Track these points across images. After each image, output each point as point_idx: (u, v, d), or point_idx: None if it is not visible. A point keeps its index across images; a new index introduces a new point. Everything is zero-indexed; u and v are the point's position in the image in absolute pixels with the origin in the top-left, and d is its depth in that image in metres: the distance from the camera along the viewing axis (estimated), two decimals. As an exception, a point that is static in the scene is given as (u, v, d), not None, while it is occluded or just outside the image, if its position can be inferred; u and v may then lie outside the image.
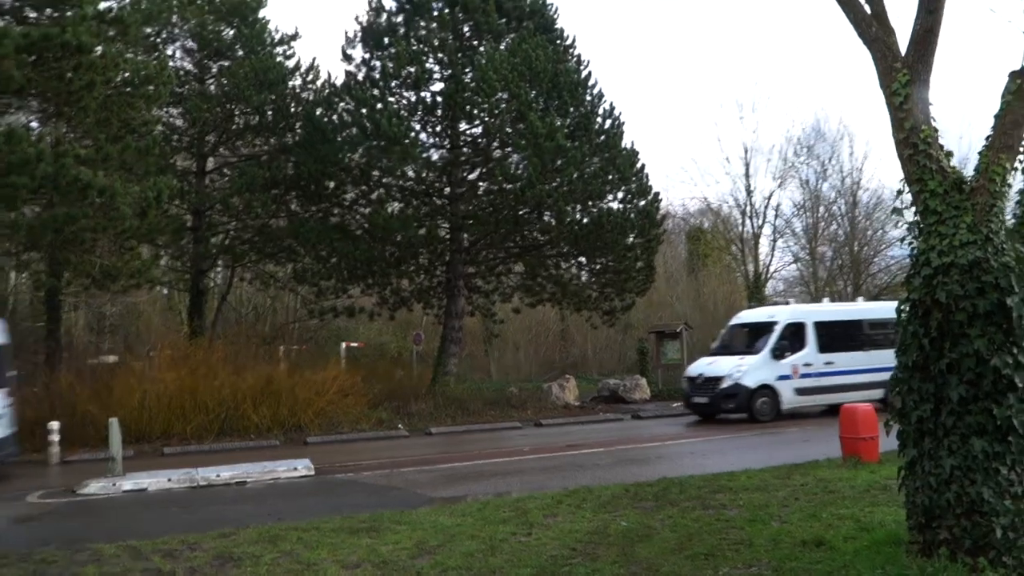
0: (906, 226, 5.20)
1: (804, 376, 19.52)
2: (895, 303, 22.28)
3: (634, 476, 10.95)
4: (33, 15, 17.21)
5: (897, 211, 5.28)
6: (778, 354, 19.48)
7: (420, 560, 6.62)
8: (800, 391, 19.45)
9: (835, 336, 20.36)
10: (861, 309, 21.87)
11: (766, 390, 19.07)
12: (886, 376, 19.75)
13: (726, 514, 7.75)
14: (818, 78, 63.74)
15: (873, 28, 5.32)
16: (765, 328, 20.23)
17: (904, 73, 5.16)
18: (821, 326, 20.28)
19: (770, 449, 13.91)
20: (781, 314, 20.70)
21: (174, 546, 7.40)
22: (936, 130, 5.18)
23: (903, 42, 5.35)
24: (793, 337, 19.86)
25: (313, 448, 16.35)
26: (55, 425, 15.33)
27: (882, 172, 58.82)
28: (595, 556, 6.51)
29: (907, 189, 5.18)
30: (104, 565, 6.81)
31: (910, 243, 5.18)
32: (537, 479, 11.61)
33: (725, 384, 19.17)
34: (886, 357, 19.76)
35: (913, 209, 5.17)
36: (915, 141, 5.10)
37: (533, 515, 8.12)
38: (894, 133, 5.23)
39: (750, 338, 20.67)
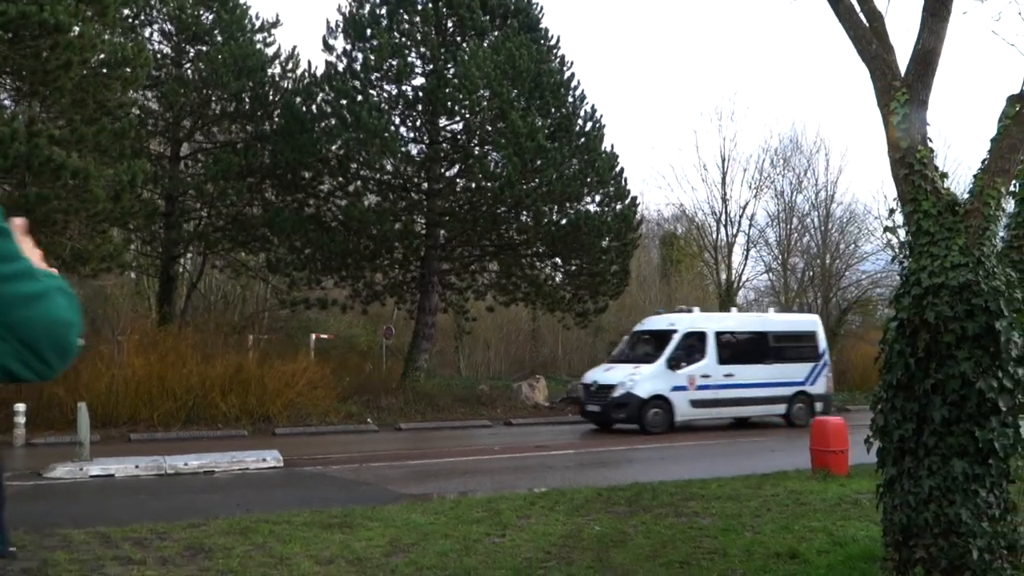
0: (889, 244, 5.24)
1: (701, 388, 18.80)
2: (804, 316, 22.05)
3: (605, 479, 10.98)
4: (12, -9, 16.84)
5: (889, 229, 5.32)
6: (674, 364, 18.68)
7: (394, 558, 6.57)
8: (696, 403, 18.73)
9: (738, 348, 19.83)
10: (767, 321, 21.26)
11: (659, 401, 18.24)
12: (790, 391, 19.70)
13: (699, 522, 7.78)
14: (797, 90, 64.43)
15: (873, 45, 5.35)
16: (664, 336, 19.37)
17: (903, 92, 5.20)
18: (723, 337, 19.69)
19: (740, 457, 14.02)
20: (681, 322, 19.69)
21: (144, 535, 7.29)
22: (932, 151, 5.22)
23: (902, 61, 5.40)
24: (692, 347, 19.12)
25: (281, 439, 16.21)
26: (21, 407, 15.08)
27: (856, 186, 59.69)
28: (570, 560, 6.50)
29: (900, 208, 5.23)
30: (74, 551, 6.69)
31: (900, 262, 5.23)
32: (508, 479, 11.61)
33: (617, 393, 18.26)
34: (791, 372, 19.88)
35: (905, 229, 5.22)
36: (911, 161, 5.14)
37: (506, 516, 8.10)
38: (889, 152, 5.26)
39: (649, 346, 19.81)
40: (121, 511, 8.71)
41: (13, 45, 14.80)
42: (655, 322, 20.74)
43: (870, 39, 5.40)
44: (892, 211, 5.28)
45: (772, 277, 35.05)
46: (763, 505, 8.60)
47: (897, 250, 5.29)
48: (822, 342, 20.95)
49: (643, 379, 18.28)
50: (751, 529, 7.42)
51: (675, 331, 19.28)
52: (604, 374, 19.37)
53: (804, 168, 33.13)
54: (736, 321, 21.05)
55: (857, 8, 5.64)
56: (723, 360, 19.31)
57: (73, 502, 9.49)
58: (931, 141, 5.27)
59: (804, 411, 19.80)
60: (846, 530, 7.24)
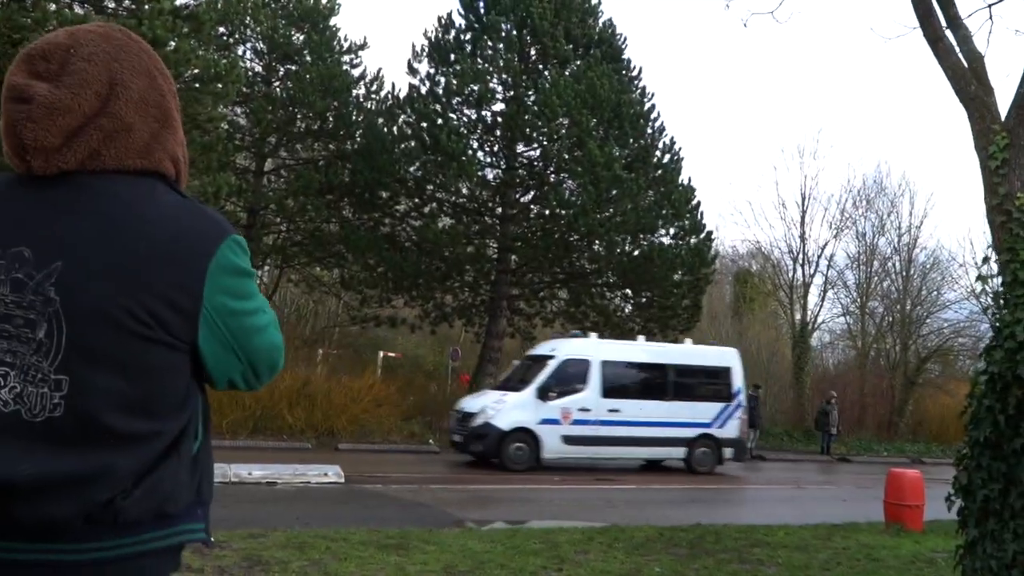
0: (974, 293, 4.99)
1: (578, 423, 16.55)
2: (719, 350, 19.49)
3: (667, 519, 10.71)
4: (112, 6, 17.62)
5: (982, 279, 5.07)
6: (546, 394, 16.50)
7: (448, 585, 6.49)
8: (570, 440, 16.51)
9: (629, 380, 17.70)
10: (669, 352, 18.79)
11: (523, 434, 16.09)
12: (692, 433, 17.55)
13: (764, 571, 7.50)
14: (884, 129, 62.97)
15: (972, 86, 5.14)
16: (543, 362, 17.35)
17: (1003, 136, 4.97)
18: (611, 367, 17.33)
19: (808, 505, 13.56)
20: (563, 348, 17.63)
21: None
22: (1032, 198, 4.98)
23: (1003, 104, 5.19)
24: (572, 376, 16.91)
25: (344, 455, 16.33)
26: None
27: (941, 232, 57.88)
28: (627, 601, 6.33)
29: (995, 257, 4.98)
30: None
31: (993, 313, 4.97)
32: (567, 511, 11.44)
33: (476, 422, 16.18)
34: (695, 411, 17.73)
35: (999, 278, 4.96)
36: (1009, 208, 4.89)
37: (564, 550, 7.95)
38: (986, 198, 5.04)
39: (529, 372, 17.52)
40: (185, 516, 8.84)
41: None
42: (542, 347, 18.96)
43: (969, 80, 5.19)
44: (986, 259, 5.02)
45: (849, 320, 34.06)
46: (832, 558, 8.25)
47: (991, 300, 5.03)
48: (737, 380, 18.58)
49: (506, 408, 16.16)
50: (819, 582, 7.13)
51: (552, 357, 17.27)
52: (471, 400, 17.58)
53: (887, 210, 32.21)
54: (630, 351, 18.38)
55: (956, 49, 5.44)
56: (609, 393, 17.03)
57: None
58: (1032, 188, 5.02)
59: (709, 456, 17.72)
60: (921, 591, 6.88)
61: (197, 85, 17.81)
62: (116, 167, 1.39)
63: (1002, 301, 4.84)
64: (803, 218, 31.04)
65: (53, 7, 15.42)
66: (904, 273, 31.57)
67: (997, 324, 4.81)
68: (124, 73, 1.41)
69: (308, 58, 24.17)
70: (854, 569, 7.74)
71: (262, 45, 24.52)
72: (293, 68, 24.36)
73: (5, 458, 1.29)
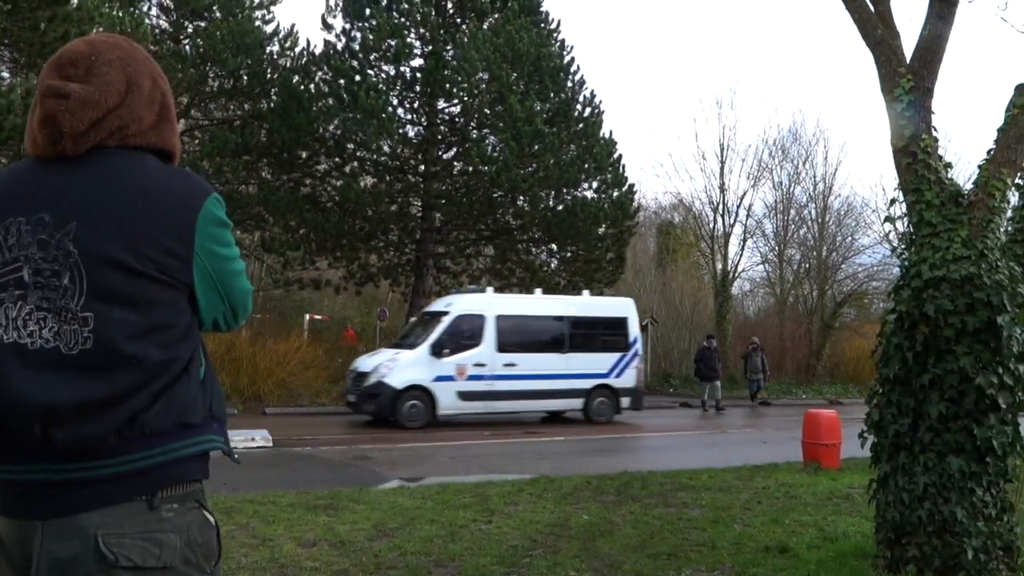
0: (887, 236, 5.14)
1: (473, 378, 16.58)
2: (614, 300, 19.77)
3: (595, 468, 10.90)
4: (8, -40, 16.62)
5: (889, 220, 5.19)
6: (440, 350, 16.40)
7: (378, 542, 6.47)
8: (466, 395, 16.51)
9: (525, 334, 17.62)
10: (564, 304, 18.61)
11: (418, 392, 16.05)
12: (589, 384, 17.71)
13: (688, 513, 7.70)
14: (799, 79, 64.23)
15: (878, 30, 5.22)
16: (437, 319, 17.24)
17: (908, 79, 5.07)
18: (506, 321, 17.26)
19: (730, 449, 13.97)
20: (458, 304, 17.50)
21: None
22: (936, 140, 5.09)
23: (908, 48, 5.28)
24: (466, 332, 16.89)
25: (272, 419, 16.12)
26: None
27: (855, 179, 59.68)
28: (556, 549, 6.41)
29: (902, 198, 5.11)
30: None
31: (900, 254, 5.11)
32: (496, 464, 11.54)
33: (369, 381, 16.09)
34: (591, 362, 17.87)
35: (906, 220, 5.10)
36: (914, 150, 5.01)
37: (494, 502, 8.02)
38: (892, 140, 5.14)
39: (425, 329, 17.43)
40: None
41: (11, 16, 14.62)
42: (438, 303, 18.82)
43: (875, 24, 5.26)
44: (893, 201, 5.15)
45: (768, 268, 34.98)
46: (753, 497, 8.53)
47: (897, 242, 5.18)
48: (634, 330, 18.74)
49: (399, 367, 16.02)
50: (740, 522, 7.34)
51: (446, 313, 17.17)
52: (364, 360, 17.40)
53: (803, 159, 33.00)
54: (526, 304, 18.31)
55: (863, -8, 5.50)
56: (504, 347, 17.03)
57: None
58: (936, 130, 5.14)
59: (607, 407, 17.93)
60: (837, 525, 7.16)
61: (100, 43, 17.01)
62: (119, 146, 1.71)
63: (909, 241, 4.99)
64: (722, 169, 31.59)
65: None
66: (820, 220, 32.51)
67: (904, 264, 4.96)
68: (137, 75, 1.75)
69: (218, 14, 23.21)
70: (774, 507, 8.02)
71: (168, 1, 23.47)
72: (202, 25, 23.39)
73: (49, 386, 1.56)
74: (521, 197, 22.48)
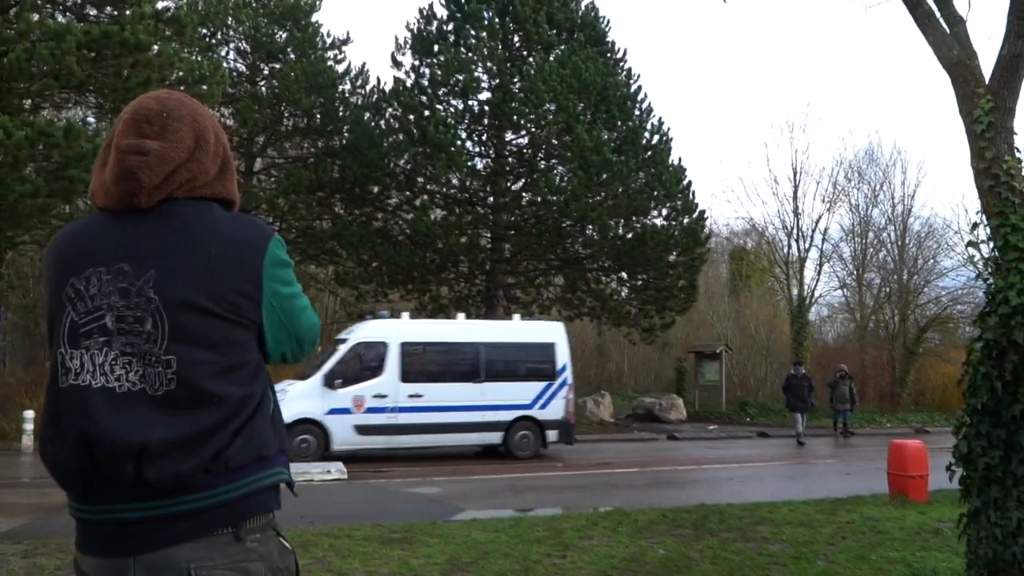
0: (971, 260, 4.95)
1: (373, 411, 15.31)
2: (540, 324, 17.78)
3: (670, 500, 10.70)
4: (93, 13, 17.54)
5: (973, 244, 5.01)
6: (332, 381, 15.13)
7: (452, 577, 6.47)
8: (364, 429, 15.22)
9: (433, 363, 16.37)
10: (482, 330, 17.27)
11: (309, 425, 14.83)
12: (509, 416, 16.09)
13: (768, 548, 7.48)
14: (873, 100, 62.83)
15: (954, 51, 5.07)
16: (335, 347, 16.01)
17: (987, 100, 4.91)
18: (412, 348, 15.97)
19: (811, 480, 13.56)
20: (359, 331, 16.34)
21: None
22: (1020, 161, 4.91)
23: (986, 67, 5.11)
24: (367, 361, 15.72)
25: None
26: (30, 414, 15.43)
27: (935, 200, 57.84)
28: (632, 585, 6.31)
29: (985, 222, 4.92)
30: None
31: (985, 279, 4.92)
32: (570, 497, 11.42)
33: None
34: (512, 392, 16.35)
35: (990, 244, 4.91)
36: (996, 172, 4.83)
37: (568, 536, 7.93)
38: (973, 163, 4.97)
39: (324, 359, 16.07)
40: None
41: (96, 64, 15.39)
42: (351, 330, 17.26)
43: (951, 45, 5.12)
44: (976, 225, 4.95)
45: (847, 293, 34.03)
46: (837, 532, 8.24)
47: (981, 267, 4.98)
48: (563, 357, 17.09)
49: (287, 399, 14.51)
50: (824, 558, 7.09)
51: (344, 340, 16.01)
52: None
53: (880, 181, 32.14)
54: (436, 330, 17.16)
55: (937, 13, 5.37)
56: (409, 377, 15.72)
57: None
58: (1019, 151, 4.95)
59: (529, 441, 16.35)
60: (926, 562, 6.85)
61: (182, 88, 17.71)
62: (187, 196, 1.81)
63: (994, 266, 4.80)
64: (796, 193, 30.97)
65: (36, 18, 15.34)
66: (899, 243, 31.53)
67: (990, 290, 4.77)
68: (204, 130, 1.86)
69: (292, 56, 24.04)
70: (859, 542, 7.73)
71: (245, 45, 24.39)
72: (277, 66, 24.24)
73: (139, 427, 1.64)
74: (590, 226, 22.46)
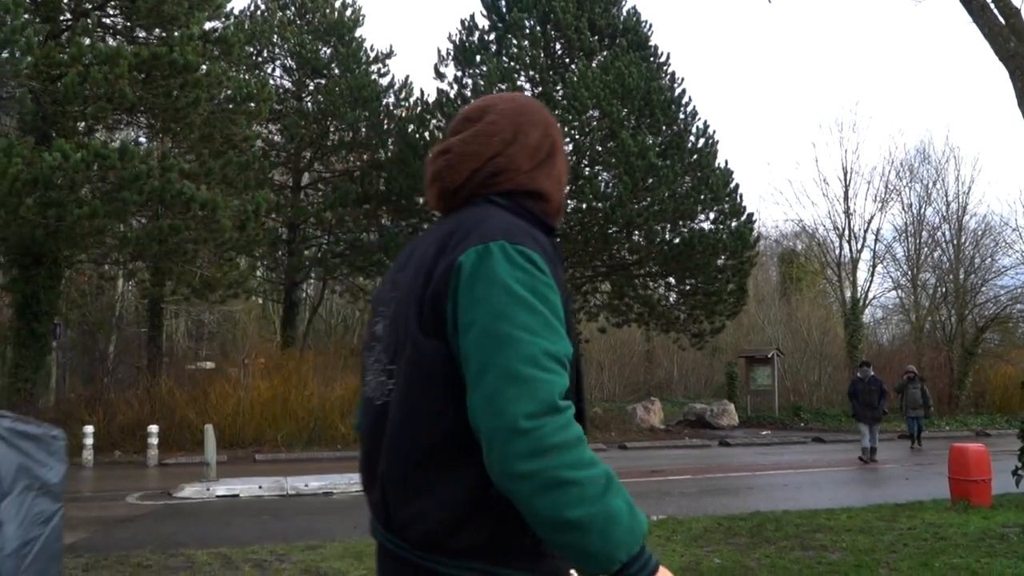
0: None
1: None
2: None
3: (724, 508, 10.56)
4: (143, 35, 17.99)
5: (1035, 242, 4.87)
6: None
7: (507, 588, 6.44)
8: None
9: None
10: None
11: None
12: None
13: (828, 557, 7.32)
14: (924, 96, 61.55)
15: (1011, 43, 4.93)
16: None
17: (1047, 93, 4.77)
18: None
19: (869, 486, 13.27)
20: None
21: (263, 556, 7.43)
22: (1083, 155, 4.77)
23: (1044, 60, 4.96)
24: None
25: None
26: (154, 428, 15.77)
27: (990, 197, 56.38)
28: (688, 594, 6.23)
29: (1047, 219, 4.78)
30: (196, 572, 6.87)
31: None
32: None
33: None
34: None
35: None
36: (1059, 167, 4.71)
37: (621, 545, 7.86)
38: (1033, 158, 4.84)
39: None
40: (243, 531, 8.96)
41: (146, 85, 15.77)
42: None
43: (1007, 36, 4.97)
44: (1039, 222, 4.81)
45: (901, 294, 33.31)
46: (899, 539, 8.04)
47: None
48: None
49: None
50: (886, 566, 6.92)
51: None
52: None
53: (933, 179, 31.43)
54: None
55: (991, 5, 5.23)
56: None
57: (199, 522, 9.82)
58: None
59: None
60: (992, 568, 6.65)
61: (231, 106, 18.10)
62: (492, 192, 1.66)
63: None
64: (846, 193, 30.42)
65: (87, 42, 15.77)
66: (955, 242, 30.77)
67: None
68: (526, 125, 1.71)
69: (336, 71, 24.40)
70: (922, 549, 7.53)
71: (291, 61, 24.80)
72: (322, 82, 24.60)
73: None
74: (636, 232, 22.33)
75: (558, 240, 1.71)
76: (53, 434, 2.12)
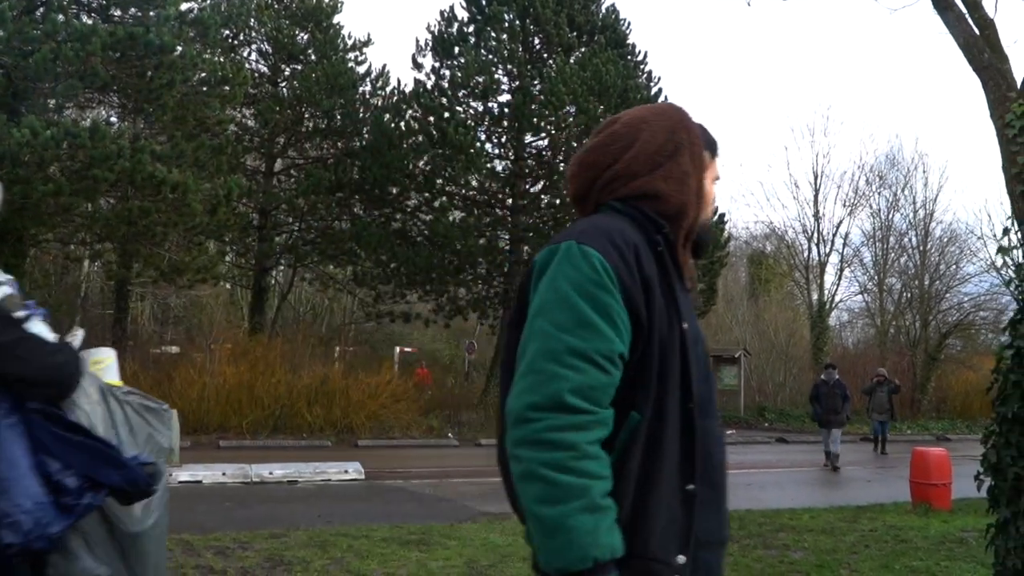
0: (994, 266, 4.87)
1: None
2: None
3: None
4: (118, 14, 17.67)
5: (1004, 250, 4.94)
6: None
7: (471, 580, 6.45)
8: None
9: None
10: None
11: None
12: None
13: (790, 556, 7.41)
14: (895, 103, 62.35)
15: (985, 54, 5.00)
16: None
17: (1019, 104, 4.83)
18: None
19: (832, 487, 13.44)
20: None
21: (226, 543, 7.36)
22: (1053, 167, 4.84)
23: (1017, 71, 5.03)
24: None
25: (363, 451, 16.34)
26: None
27: (956, 205, 57.32)
28: (652, 590, 6.25)
29: (1016, 227, 4.85)
30: (157, 561, 6.78)
31: (1017, 286, 4.84)
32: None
33: None
34: None
35: (1021, 249, 4.83)
36: (1029, 177, 4.77)
37: (587, 540, 7.89)
38: (1005, 167, 4.89)
39: None
40: (207, 518, 8.86)
41: (120, 64, 15.50)
42: None
43: (982, 48, 5.04)
44: (1007, 230, 4.89)
45: (867, 298, 33.77)
46: (860, 540, 8.15)
47: (1013, 273, 4.91)
48: None
49: None
50: (847, 567, 7.02)
51: None
52: None
53: (901, 185, 31.90)
54: None
55: (967, 16, 5.29)
56: None
57: (162, 508, 9.69)
58: (1052, 156, 4.88)
59: None
60: (951, 571, 6.77)
61: (205, 89, 17.85)
62: (614, 198, 1.71)
63: (1024, 273, 4.72)
64: (816, 197, 30.81)
65: (62, 18, 15.45)
66: (921, 248, 31.26)
67: (1020, 297, 4.70)
68: (641, 131, 1.72)
69: (313, 57, 24.14)
70: (883, 551, 7.65)
71: (267, 46, 24.50)
72: (298, 68, 24.34)
73: None
74: (609, 229, 22.37)
75: (664, 233, 1.67)
76: (164, 407, 2.52)
